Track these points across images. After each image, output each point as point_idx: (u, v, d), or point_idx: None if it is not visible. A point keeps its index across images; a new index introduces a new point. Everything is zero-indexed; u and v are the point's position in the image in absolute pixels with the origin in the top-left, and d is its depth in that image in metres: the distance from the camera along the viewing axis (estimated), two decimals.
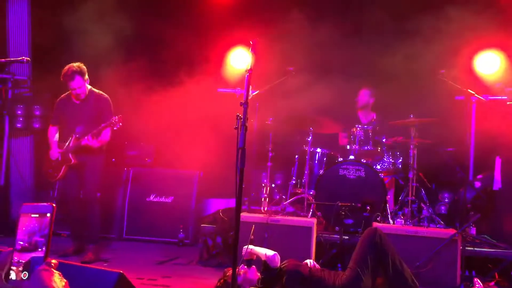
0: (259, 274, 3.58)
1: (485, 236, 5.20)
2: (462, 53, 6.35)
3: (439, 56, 6.29)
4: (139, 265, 5.02)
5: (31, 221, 1.03)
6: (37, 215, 1.03)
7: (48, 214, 1.03)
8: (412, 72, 6.39)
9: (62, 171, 5.10)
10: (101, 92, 5.24)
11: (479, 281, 3.79)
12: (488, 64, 6.32)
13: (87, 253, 5.07)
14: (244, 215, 4.80)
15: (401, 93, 6.48)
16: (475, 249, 4.72)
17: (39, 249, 1.00)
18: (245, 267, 3.56)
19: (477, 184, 5.90)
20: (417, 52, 6.58)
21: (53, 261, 1.01)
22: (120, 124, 4.89)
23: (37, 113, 6.60)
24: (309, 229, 4.68)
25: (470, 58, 6.40)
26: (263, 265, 3.64)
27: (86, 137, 4.93)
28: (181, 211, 6.28)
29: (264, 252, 3.67)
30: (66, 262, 2.02)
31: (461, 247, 4.50)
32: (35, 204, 1.05)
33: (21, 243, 1.01)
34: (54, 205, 1.03)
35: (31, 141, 6.80)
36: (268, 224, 4.72)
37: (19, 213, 1.04)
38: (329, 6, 7.04)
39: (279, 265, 3.62)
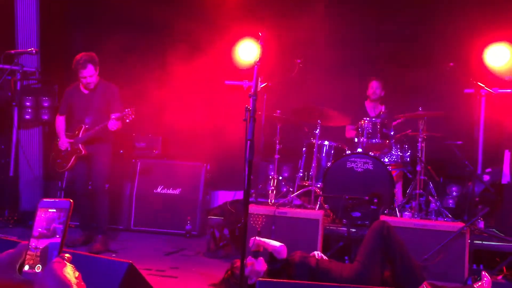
0: (266, 265, 3.59)
1: (493, 229, 5.18)
2: (471, 46, 6.30)
3: (449, 48, 6.25)
4: (147, 256, 5.05)
5: (48, 213, 1.04)
6: (55, 210, 1.04)
7: (66, 209, 1.04)
8: (421, 64, 6.36)
9: (71, 161, 5.13)
10: (109, 82, 5.26)
11: (487, 274, 3.77)
12: (498, 57, 6.27)
13: (96, 244, 5.11)
14: (251, 207, 4.81)
15: (410, 85, 6.46)
16: (483, 242, 4.70)
17: (57, 236, 1.01)
18: (253, 258, 3.57)
19: (486, 177, 5.87)
20: (426, 44, 6.55)
21: (67, 255, 1.02)
22: (133, 116, 4.89)
23: (46, 104, 6.62)
24: (316, 222, 4.68)
25: (480, 51, 6.35)
26: (270, 256, 3.65)
27: (110, 122, 4.89)
28: (189, 203, 6.30)
29: (271, 243, 3.68)
30: (77, 252, 2.04)
31: (469, 241, 4.48)
32: (53, 200, 1.06)
33: (40, 229, 1.02)
34: (71, 201, 1.04)
35: (40, 133, 6.84)
36: (276, 216, 4.73)
37: (37, 207, 1.05)
38: None
39: (286, 256, 3.62)
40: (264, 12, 6.78)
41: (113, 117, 4.93)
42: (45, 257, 1.00)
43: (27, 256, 1.01)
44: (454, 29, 6.31)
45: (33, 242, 1.02)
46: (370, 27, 6.84)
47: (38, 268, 1.00)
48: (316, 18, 6.51)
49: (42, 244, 1.01)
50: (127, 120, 4.89)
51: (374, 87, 6.20)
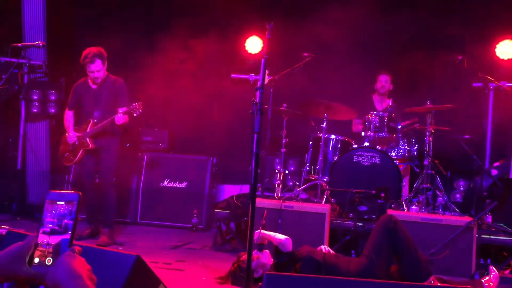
0: (272, 259, 3.59)
1: (501, 224, 5.15)
2: (480, 39, 6.25)
3: (457, 42, 6.20)
4: (154, 249, 5.07)
5: (58, 207, 1.04)
6: (63, 203, 1.04)
7: (74, 202, 1.04)
8: (429, 58, 6.32)
9: (79, 155, 5.16)
10: (116, 77, 5.27)
11: (494, 269, 3.75)
12: (507, 51, 6.22)
13: (103, 237, 5.13)
14: (258, 200, 4.81)
15: (418, 79, 6.42)
16: (491, 237, 4.68)
17: (69, 232, 1.01)
18: (258, 251, 3.57)
19: (494, 172, 5.83)
20: (435, 38, 6.49)
21: (77, 247, 1.03)
22: (140, 111, 4.90)
23: (53, 98, 6.64)
24: (322, 216, 4.67)
25: (489, 45, 6.29)
26: (275, 249, 3.65)
27: (117, 116, 4.91)
28: (195, 197, 6.32)
29: (275, 236, 3.67)
30: (84, 244, 2.05)
31: (476, 235, 4.46)
32: (61, 192, 1.06)
33: (51, 225, 1.02)
34: (80, 193, 1.04)
35: (47, 126, 6.86)
36: (282, 210, 4.72)
37: (45, 199, 1.05)
38: None
39: (291, 249, 3.62)
40: (271, 6, 6.74)
41: (120, 111, 4.96)
42: (57, 254, 1.00)
43: (39, 252, 1.01)
44: (463, 23, 6.25)
45: (44, 238, 1.01)
46: (378, 21, 6.78)
47: (48, 261, 1.00)
48: (323, 11, 6.47)
49: (54, 240, 1.01)
50: (135, 114, 4.91)
51: (383, 81, 6.14)
